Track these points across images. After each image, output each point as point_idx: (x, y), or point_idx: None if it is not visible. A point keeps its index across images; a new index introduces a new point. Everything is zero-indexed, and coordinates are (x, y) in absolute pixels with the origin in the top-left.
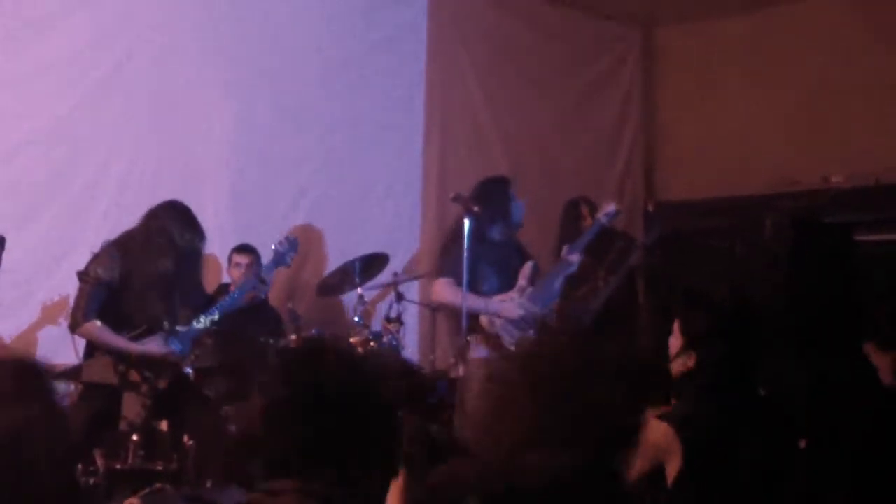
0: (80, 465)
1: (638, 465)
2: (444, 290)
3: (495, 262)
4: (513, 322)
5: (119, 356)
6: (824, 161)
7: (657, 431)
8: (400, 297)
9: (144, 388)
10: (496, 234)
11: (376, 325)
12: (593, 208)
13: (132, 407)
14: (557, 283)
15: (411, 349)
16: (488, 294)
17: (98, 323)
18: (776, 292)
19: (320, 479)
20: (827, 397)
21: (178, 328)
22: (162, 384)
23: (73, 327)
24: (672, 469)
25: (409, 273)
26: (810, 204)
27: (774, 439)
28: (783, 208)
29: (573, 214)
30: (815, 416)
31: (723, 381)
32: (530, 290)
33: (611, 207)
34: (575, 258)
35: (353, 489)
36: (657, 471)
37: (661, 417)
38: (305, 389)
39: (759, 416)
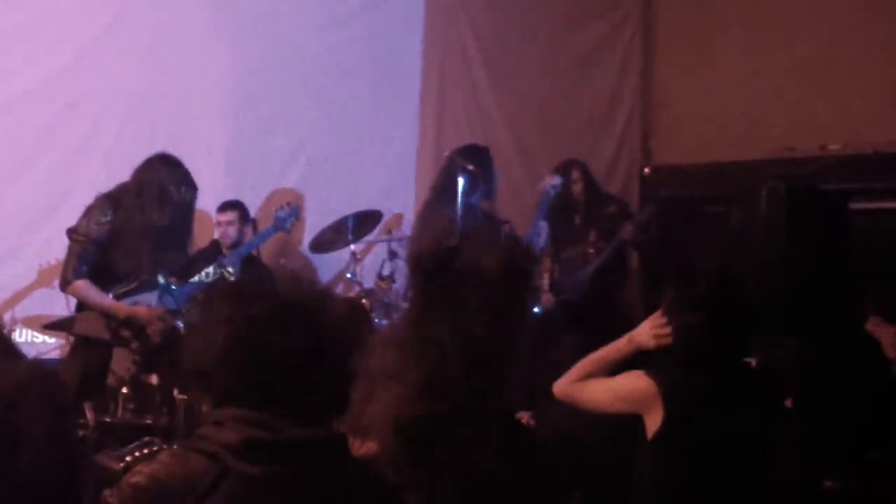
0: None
1: (616, 406)
2: None
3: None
4: None
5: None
6: (822, 129)
7: (642, 383)
8: (393, 255)
9: (135, 344)
10: (477, 200)
11: (369, 283)
12: (586, 172)
13: (121, 361)
14: None
15: (404, 307)
16: None
17: (87, 283)
18: (770, 262)
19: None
20: (820, 370)
21: (173, 285)
22: (153, 340)
23: (63, 286)
24: (651, 423)
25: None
26: (807, 171)
27: (760, 413)
28: (779, 176)
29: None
30: (808, 388)
31: (699, 352)
32: None
33: (555, 180)
34: (542, 225)
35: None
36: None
37: (648, 374)
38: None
39: (744, 389)
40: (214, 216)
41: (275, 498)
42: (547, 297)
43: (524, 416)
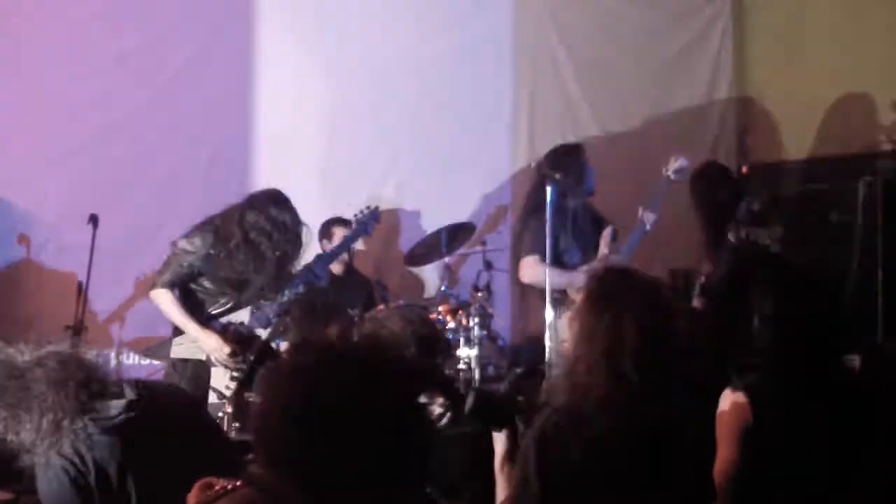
0: None
1: (731, 453)
2: (531, 270)
3: (575, 232)
4: None
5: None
6: None
7: (736, 407)
8: (489, 266)
9: (231, 362)
10: (573, 202)
11: (465, 294)
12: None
13: (220, 380)
14: (633, 244)
15: (501, 317)
16: (572, 265)
17: (170, 295)
18: (867, 260)
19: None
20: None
21: (263, 303)
22: (250, 356)
23: (150, 288)
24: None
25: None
26: None
27: (847, 419)
28: (878, 170)
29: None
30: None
31: (784, 358)
32: (612, 257)
33: (680, 162)
34: (650, 217)
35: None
36: None
37: (736, 388)
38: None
39: (831, 394)
40: (330, 230)
41: None
42: (699, 302)
43: None
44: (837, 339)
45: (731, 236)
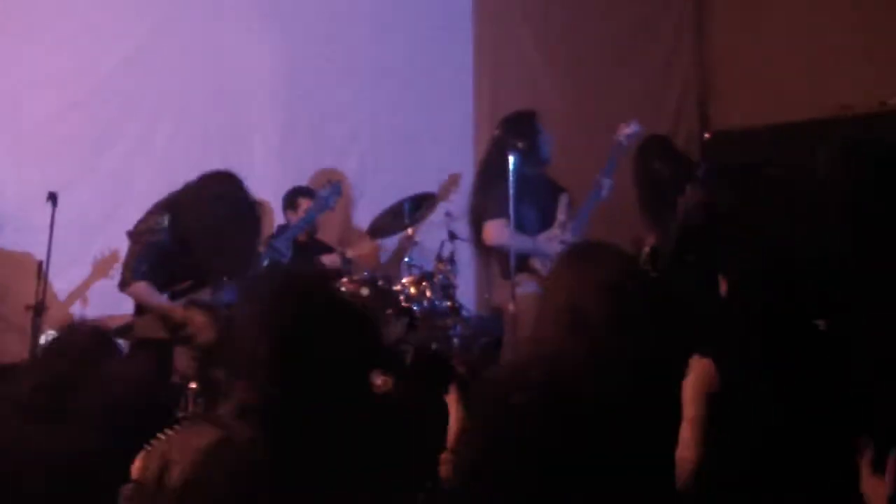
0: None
1: (695, 412)
2: (496, 232)
3: (532, 199)
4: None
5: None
6: (881, 85)
7: (702, 370)
8: (452, 237)
9: (195, 340)
10: (528, 169)
11: (429, 265)
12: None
13: (184, 360)
14: (588, 210)
15: (465, 288)
16: (530, 232)
17: (144, 284)
18: (831, 224)
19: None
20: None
21: (224, 282)
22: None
23: (122, 286)
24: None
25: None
26: (867, 129)
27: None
28: (838, 136)
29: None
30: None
31: (748, 324)
32: (569, 223)
33: (632, 128)
34: (606, 182)
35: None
36: None
37: (702, 353)
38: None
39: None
40: (295, 201)
41: None
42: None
43: None
44: (802, 302)
45: (681, 204)
